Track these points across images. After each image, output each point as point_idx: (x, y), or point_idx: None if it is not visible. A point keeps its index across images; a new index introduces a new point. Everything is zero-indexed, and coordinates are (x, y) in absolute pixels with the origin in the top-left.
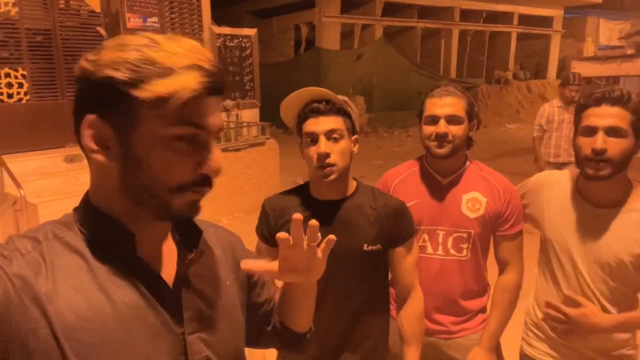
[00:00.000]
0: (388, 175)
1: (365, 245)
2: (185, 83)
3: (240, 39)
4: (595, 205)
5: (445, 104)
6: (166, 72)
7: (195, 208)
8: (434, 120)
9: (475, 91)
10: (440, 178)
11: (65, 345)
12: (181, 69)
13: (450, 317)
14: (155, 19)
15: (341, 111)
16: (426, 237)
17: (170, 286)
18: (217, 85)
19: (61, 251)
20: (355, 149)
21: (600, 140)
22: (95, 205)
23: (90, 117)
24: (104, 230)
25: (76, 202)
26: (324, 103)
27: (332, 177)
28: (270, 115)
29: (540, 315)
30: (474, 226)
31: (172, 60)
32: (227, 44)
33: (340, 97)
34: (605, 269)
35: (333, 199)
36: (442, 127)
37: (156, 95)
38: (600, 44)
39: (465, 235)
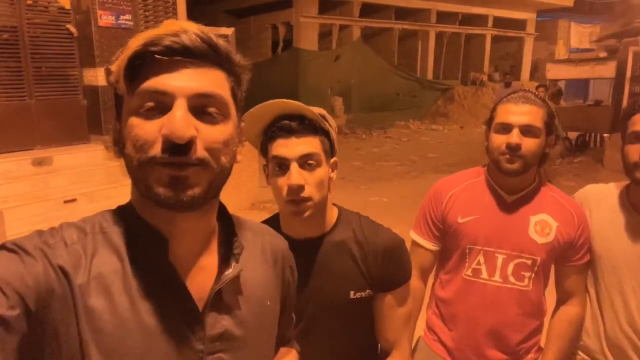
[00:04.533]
0: (442, 184)
1: (352, 293)
2: (126, 52)
3: None
4: None
5: (521, 112)
6: (126, 50)
7: (177, 187)
8: (506, 129)
9: (452, 92)
10: (505, 194)
11: (90, 342)
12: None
13: (499, 354)
14: (128, 16)
15: (318, 130)
16: (482, 259)
17: (203, 300)
18: (175, 45)
19: (102, 247)
20: (333, 175)
21: None
22: (135, 206)
23: (114, 122)
24: (139, 233)
25: (45, 207)
26: (296, 120)
27: (307, 213)
28: None
29: (586, 336)
30: (541, 253)
31: (139, 40)
32: None
33: (317, 110)
34: None
35: (310, 237)
36: (515, 137)
37: (115, 74)
38: (571, 46)
39: (529, 262)
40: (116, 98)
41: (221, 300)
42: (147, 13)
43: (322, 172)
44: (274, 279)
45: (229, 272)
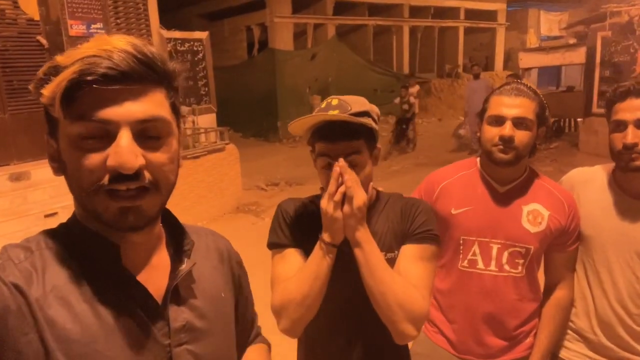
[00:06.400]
0: (434, 176)
1: (384, 254)
2: (61, 77)
3: (192, 43)
4: (636, 197)
5: (514, 105)
6: (57, 72)
7: (128, 216)
8: (499, 121)
9: (428, 86)
10: (497, 185)
11: (56, 351)
12: (68, 65)
13: (499, 340)
14: (99, 25)
15: (361, 134)
16: (477, 250)
17: (161, 298)
18: (112, 72)
19: (51, 262)
20: (375, 163)
21: (630, 135)
22: (80, 219)
23: (45, 138)
24: (89, 243)
25: (26, 222)
26: (341, 128)
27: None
28: (227, 119)
29: (575, 316)
30: (534, 242)
31: (69, 59)
32: (178, 48)
33: (368, 107)
34: None
35: None
36: (508, 130)
37: (47, 98)
38: (542, 34)
39: (523, 250)
40: (47, 115)
41: (178, 295)
42: (118, 21)
43: (367, 169)
44: (223, 274)
45: (184, 267)
